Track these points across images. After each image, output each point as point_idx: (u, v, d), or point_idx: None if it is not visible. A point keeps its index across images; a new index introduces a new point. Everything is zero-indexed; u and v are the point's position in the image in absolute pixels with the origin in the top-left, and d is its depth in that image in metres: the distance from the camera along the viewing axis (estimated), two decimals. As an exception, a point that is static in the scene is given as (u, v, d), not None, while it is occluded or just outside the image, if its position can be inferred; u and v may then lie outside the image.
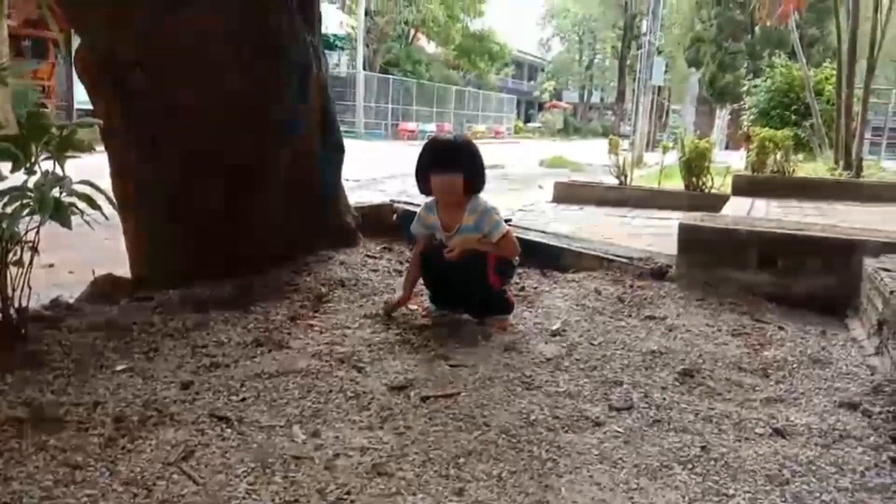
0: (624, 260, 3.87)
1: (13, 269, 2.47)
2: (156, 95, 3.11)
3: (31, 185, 2.30)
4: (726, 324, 3.04)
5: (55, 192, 2.20)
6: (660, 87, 24.18)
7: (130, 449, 1.76)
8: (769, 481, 1.74)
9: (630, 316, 3.12)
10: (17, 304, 2.51)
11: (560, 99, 56.62)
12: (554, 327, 2.90)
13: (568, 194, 9.34)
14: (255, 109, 3.31)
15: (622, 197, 8.94)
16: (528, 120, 52.75)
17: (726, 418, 2.09)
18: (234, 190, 3.33)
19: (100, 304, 3.16)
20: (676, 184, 9.54)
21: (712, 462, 1.82)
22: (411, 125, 28.77)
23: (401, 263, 3.75)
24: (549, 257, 3.97)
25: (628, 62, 24.67)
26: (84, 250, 4.02)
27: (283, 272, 3.44)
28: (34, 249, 2.47)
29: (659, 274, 3.70)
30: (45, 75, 18.00)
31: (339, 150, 3.94)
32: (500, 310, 2.93)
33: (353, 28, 27.60)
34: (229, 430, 1.91)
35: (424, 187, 2.89)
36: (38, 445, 1.71)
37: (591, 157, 18.47)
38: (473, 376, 2.32)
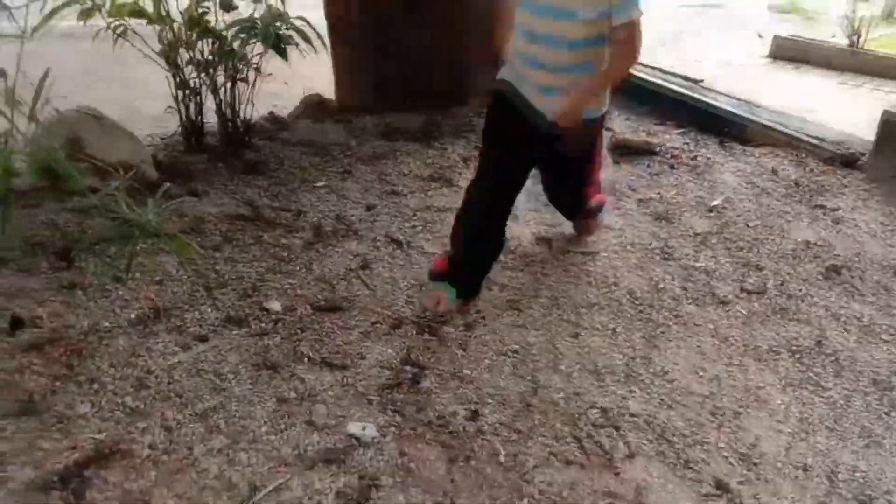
0: (814, 140, 3.66)
1: (240, 86, 2.94)
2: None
3: (257, 16, 2.67)
4: (904, 225, 2.90)
5: (276, 25, 2.55)
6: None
7: (323, 253, 2.20)
8: (873, 384, 1.84)
9: (800, 202, 3.06)
10: (242, 117, 3.01)
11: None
12: (714, 203, 2.94)
13: (788, 51, 8.39)
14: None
15: (852, 62, 7.90)
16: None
17: (856, 319, 2.14)
18: (434, 30, 3.55)
19: (307, 120, 3.64)
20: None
21: (823, 356, 1.93)
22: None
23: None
24: (732, 126, 3.83)
25: None
26: (298, 64, 4.48)
27: (465, 110, 3.70)
28: (258, 70, 2.90)
29: (848, 161, 3.49)
30: None
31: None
32: (590, 211, 2.41)
33: None
34: (398, 251, 2.29)
35: None
36: (255, 239, 2.20)
37: (835, 3, 16.13)
38: (617, 239, 2.51)
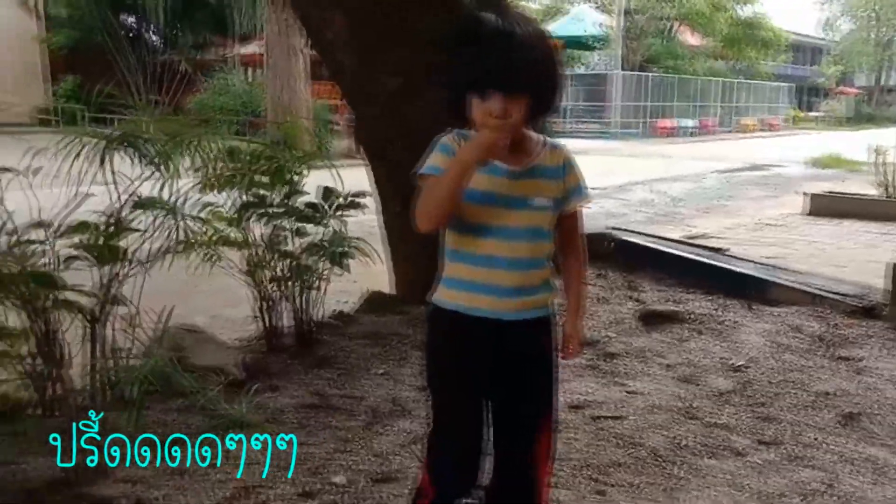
0: (836, 296, 3.92)
1: (312, 292, 3.48)
2: (406, 162, 3.99)
3: (325, 237, 3.28)
4: (927, 370, 3.07)
5: (338, 247, 3.14)
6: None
7: (380, 432, 2.56)
8: (882, 522, 2.00)
9: (822, 356, 3.28)
10: (314, 318, 3.53)
11: (851, 84, 50.40)
12: (738, 363, 3.19)
13: (824, 207, 8.79)
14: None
15: (886, 211, 8.23)
16: (810, 108, 47.92)
17: (870, 462, 2.31)
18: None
19: (371, 315, 4.14)
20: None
21: (834, 498, 2.11)
22: (669, 122, 28.00)
23: (609, 290, 4.23)
24: (758, 290, 4.14)
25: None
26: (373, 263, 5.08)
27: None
28: (327, 280, 3.45)
29: (870, 312, 3.72)
30: (336, 95, 21.02)
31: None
32: None
33: (611, 28, 27.68)
34: (447, 426, 2.63)
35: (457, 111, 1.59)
36: (324, 424, 2.58)
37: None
38: (644, 403, 2.78)
